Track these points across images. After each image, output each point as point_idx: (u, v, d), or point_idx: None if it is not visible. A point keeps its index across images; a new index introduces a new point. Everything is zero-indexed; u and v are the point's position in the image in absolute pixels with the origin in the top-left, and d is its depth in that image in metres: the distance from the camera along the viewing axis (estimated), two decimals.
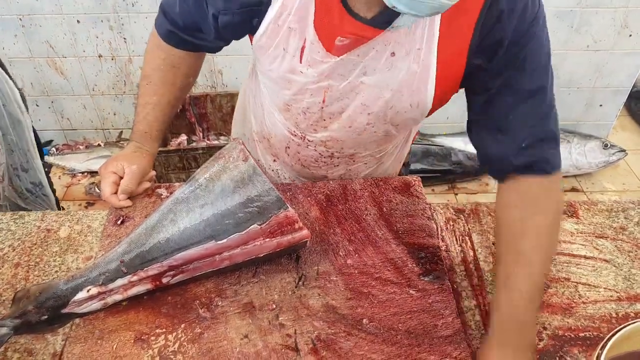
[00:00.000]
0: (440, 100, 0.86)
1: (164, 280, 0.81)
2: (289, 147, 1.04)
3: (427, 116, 0.90)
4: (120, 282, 0.79)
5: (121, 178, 0.98)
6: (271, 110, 1.01)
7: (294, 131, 0.99)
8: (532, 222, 0.77)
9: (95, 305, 0.80)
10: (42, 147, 2.71)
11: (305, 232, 0.82)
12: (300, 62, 0.83)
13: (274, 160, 1.12)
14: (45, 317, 0.77)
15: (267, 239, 0.80)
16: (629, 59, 2.48)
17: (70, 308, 0.78)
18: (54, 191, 1.62)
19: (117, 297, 0.80)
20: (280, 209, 0.79)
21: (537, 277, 0.75)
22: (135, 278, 0.79)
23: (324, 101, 0.88)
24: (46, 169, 1.59)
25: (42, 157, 1.56)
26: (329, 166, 1.05)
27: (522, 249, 0.76)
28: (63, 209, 1.70)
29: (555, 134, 0.80)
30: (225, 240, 0.79)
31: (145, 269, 0.79)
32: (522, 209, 0.78)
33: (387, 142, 1.02)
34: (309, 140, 0.99)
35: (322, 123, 0.94)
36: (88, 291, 0.78)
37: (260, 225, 0.79)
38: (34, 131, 1.52)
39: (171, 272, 0.81)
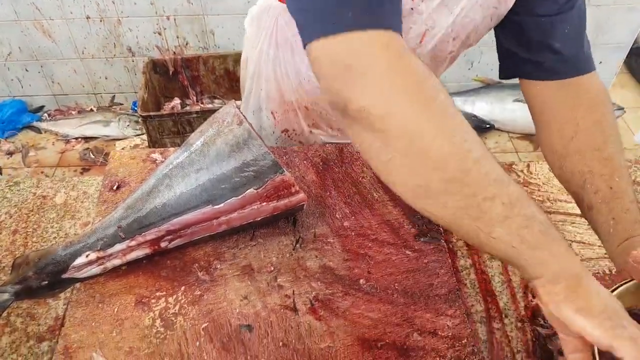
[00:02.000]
0: None
1: (162, 245, 0.81)
2: None
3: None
4: (118, 247, 0.79)
5: None
6: None
7: None
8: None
9: (95, 270, 0.80)
10: (34, 112, 2.70)
11: (301, 195, 0.83)
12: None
13: (310, 126, 1.08)
14: (46, 282, 0.78)
15: (264, 203, 0.81)
16: (630, 14, 2.44)
17: (70, 273, 0.79)
18: None
19: (116, 261, 0.81)
20: (276, 173, 0.79)
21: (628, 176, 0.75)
22: (133, 243, 0.80)
23: (421, 42, 0.84)
24: None
25: None
26: None
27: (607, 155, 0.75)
28: None
29: None
30: (222, 205, 0.79)
31: (143, 233, 0.79)
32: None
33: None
34: None
35: None
36: (87, 256, 0.79)
37: (256, 189, 0.79)
38: None
39: (169, 237, 0.81)
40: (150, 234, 0.80)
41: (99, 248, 0.79)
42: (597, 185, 0.74)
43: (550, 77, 0.83)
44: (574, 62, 0.82)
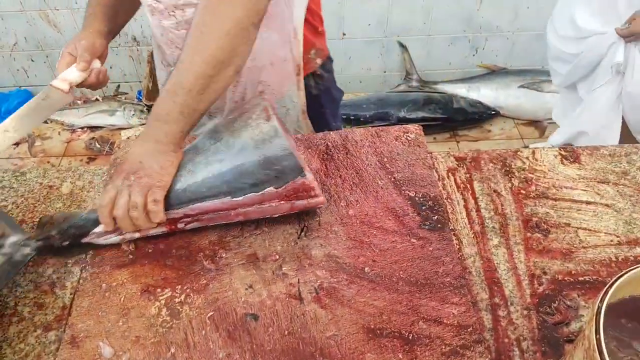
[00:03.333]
0: None
1: (179, 226, 0.83)
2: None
3: None
4: None
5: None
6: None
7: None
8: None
9: (114, 238, 0.83)
10: None
11: (320, 198, 0.83)
12: None
13: None
14: (67, 243, 0.82)
15: (282, 202, 0.81)
16: None
17: (90, 238, 0.82)
18: None
19: (135, 234, 0.82)
20: (297, 176, 0.79)
21: (185, 73, 0.78)
22: None
23: None
24: None
25: None
26: None
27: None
28: None
29: None
30: (241, 199, 0.80)
31: None
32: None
33: None
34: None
35: None
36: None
37: (276, 188, 0.79)
38: None
39: (186, 219, 0.82)
40: (169, 214, 0.80)
41: None
42: None
43: None
44: None
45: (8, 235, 0.80)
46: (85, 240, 0.82)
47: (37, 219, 0.90)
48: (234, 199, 0.80)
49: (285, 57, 1.07)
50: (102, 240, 0.83)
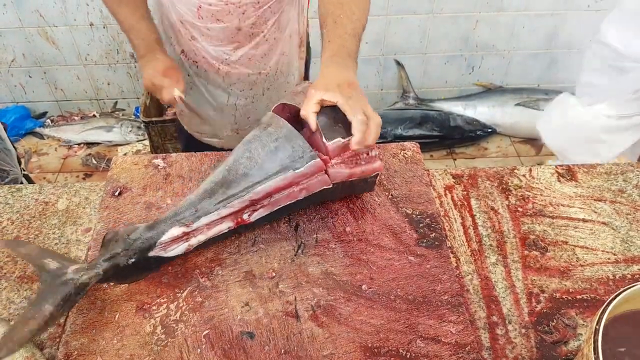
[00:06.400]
0: None
1: (244, 217, 0.82)
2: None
3: None
4: (204, 220, 0.79)
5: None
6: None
7: None
8: None
9: (181, 247, 0.80)
10: (37, 118, 2.70)
11: (377, 164, 0.85)
12: None
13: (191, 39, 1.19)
14: (133, 260, 0.77)
15: (343, 165, 0.83)
16: None
17: (156, 251, 0.79)
18: (15, 148, 1.57)
19: (201, 237, 0.81)
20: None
21: (357, 23, 1.00)
22: (216, 217, 0.80)
23: None
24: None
25: None
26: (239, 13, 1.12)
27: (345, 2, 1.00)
28: (29, 179, 1.65)
29: None
30: (302, 169, 0.80)
31: (227, 205, 0.79)
32: None
33: None
34: None
35: None
36: (173, 232, 0.78)
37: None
38: None
39: (252, 207, 0.82)
40: (234, 206, 0.80)
41: (185, 223, 0.79)
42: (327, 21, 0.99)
43: None
44: None
45: (67, 266, 0.75)
46: (152, 253, 0.78)
47: (102, 238, 0.85)
48: (296, 171, 0.80)
49: (296, 30, 1.24)
50: (168, 252, 0.80)
